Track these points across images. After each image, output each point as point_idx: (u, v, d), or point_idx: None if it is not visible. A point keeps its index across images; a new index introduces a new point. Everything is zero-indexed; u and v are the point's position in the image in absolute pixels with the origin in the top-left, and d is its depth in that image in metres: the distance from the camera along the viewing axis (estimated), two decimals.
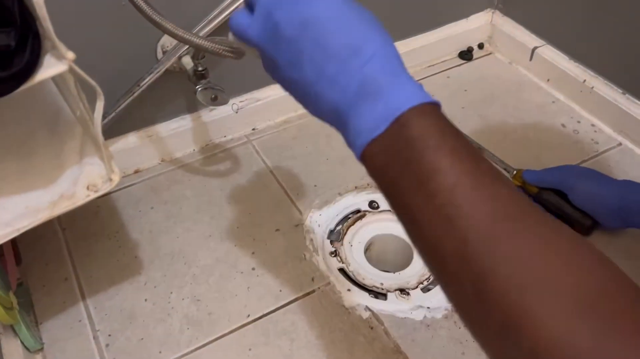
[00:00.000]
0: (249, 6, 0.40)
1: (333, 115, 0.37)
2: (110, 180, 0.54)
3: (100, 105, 0.48)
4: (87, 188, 0.54)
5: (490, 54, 1.11)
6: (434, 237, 0.31)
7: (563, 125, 0.95)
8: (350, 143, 0.36)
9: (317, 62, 0.36)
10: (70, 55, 0.44)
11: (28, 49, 0.42)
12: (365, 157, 0.35)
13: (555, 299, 0.27)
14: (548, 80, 1.02)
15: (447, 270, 0.31)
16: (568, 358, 0.26)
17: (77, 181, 0.54)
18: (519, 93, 1.02)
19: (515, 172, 0.82)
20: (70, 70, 0.45)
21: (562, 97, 1.00)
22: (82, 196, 0.53)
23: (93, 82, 0.46)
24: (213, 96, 0.74)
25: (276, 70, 0.40)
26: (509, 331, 0.28)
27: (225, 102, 0.76)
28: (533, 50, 1.03)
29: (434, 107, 0.35)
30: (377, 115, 0.34)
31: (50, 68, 0.44)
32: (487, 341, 0.30)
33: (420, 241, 0.33)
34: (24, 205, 0.53)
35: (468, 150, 0.33)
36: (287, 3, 0.37)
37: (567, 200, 0.76)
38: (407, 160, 0.33)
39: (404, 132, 0.33)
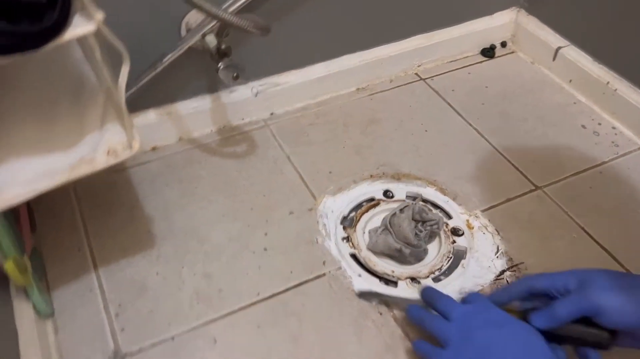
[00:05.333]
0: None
1: None
2: (131, 147, 0.54)
3: (125, 70, 0.49)
4: (107, 153, 0.54)
5: (512, 52, 1.10)
6: None
7: (583, 126, 0.94)
8: None
9: None
10: (100, 15, 0.44)
11: (58, 6, 0.43)
12: None
13: None
14: (570, 81, 1.01)
15: None
16: None
17: (98, 146, 0.54)
18: (540, 93, 1.01)
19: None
20: (98, 31, 0.45)
21: (584, 98, 0.99)
22: (101, 162, 0.53)
23: (120, 44, 0.47)
24: (235, 74, 0.74)
25: None
26: None
27: (246, 80, 0.75)
28: (557, 50, 1.02)
29: None
30: None
31: (79, 27, 0.45)
32: None
33: None
34: (44, 167, 0.53)
35: None
36: (466, 338, 0.56)
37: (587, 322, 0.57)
38: None
39: None
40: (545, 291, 0.58)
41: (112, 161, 0.53)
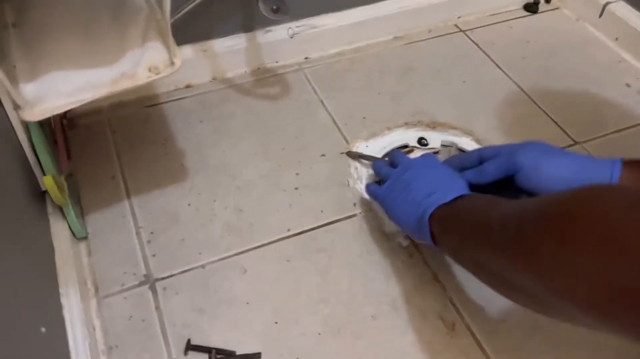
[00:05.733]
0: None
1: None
2: (173, 63, 0.54)
3: None
4: (149, 69, 0.54)
5: (557, 8, 1.06)
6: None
7: (627, 85, 0.91)
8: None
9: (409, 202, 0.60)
10: None
11: None
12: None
13: None
14: (616, 39, 0.98)
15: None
16: None
17: (139, 63, 0.54)
18: (584, 50, 0.98)
19: None
20: None
21: (630, 56, 0.96)
22: (143, 77, 0.53)
23: None
24: (275, 7, 0.73)
25: (387, 205, 0.64)
26: None
27: (286, 14, 0.74)
28: (604, 5, 0.98)
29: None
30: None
31: None
32: None
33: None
34: (86, 80, 0.53)
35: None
36: (400, 175, 0.64)
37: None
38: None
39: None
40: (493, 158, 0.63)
41: (153, 77, 0.53)
